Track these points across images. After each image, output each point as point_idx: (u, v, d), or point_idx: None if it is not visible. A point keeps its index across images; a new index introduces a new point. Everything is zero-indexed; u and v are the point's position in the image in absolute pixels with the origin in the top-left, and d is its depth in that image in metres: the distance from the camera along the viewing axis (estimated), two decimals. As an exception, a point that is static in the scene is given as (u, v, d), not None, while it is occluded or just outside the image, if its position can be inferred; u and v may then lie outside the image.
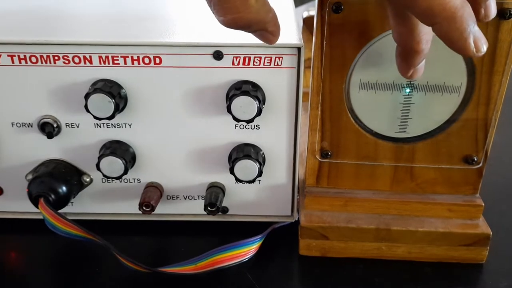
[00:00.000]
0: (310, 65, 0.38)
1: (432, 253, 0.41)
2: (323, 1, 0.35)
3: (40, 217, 0.43)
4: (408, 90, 0.38)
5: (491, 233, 0.40)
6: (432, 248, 0.41)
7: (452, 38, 0.28)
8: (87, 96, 0.38)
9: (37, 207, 0.40)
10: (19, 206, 0.45)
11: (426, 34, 0.31)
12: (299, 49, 0.38)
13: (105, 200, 0.45)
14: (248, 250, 0.41)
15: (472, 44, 0.28)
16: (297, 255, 0.43)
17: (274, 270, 0.42)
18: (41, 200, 0.40)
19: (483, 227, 0.41)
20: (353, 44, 0.37)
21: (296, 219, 0.45)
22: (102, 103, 0.38)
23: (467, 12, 0.27)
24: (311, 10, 0.68)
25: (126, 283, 0.40)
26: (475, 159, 0.40)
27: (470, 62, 0.37)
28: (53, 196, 0.40)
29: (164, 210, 0.45)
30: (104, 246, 0.38)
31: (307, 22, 0.61)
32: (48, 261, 0.43)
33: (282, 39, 0.38)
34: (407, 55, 0.32)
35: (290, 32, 0.40)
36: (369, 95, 0.39)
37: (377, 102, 0.39)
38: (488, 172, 0.41)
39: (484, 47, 0.28)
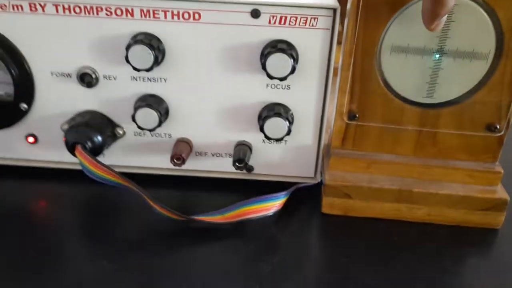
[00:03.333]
0: (340, 41, 0.40)
1: (450, 216, 0.43)
2: (362, -38, 0.36)
3: (72, 167, 0.44)
4: (438, 56, 0.40)
5: (508, 198, 0.42)
6: (451, 211, 0.43)
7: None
8: (128, 47, 0.39)
9: (73, 154, 0.42)
10: (53, 155, 0.46)
11: None
12: (334, 10, 0.39)
13: (136, 154, 0.46)
14: (273, 204, 0.42)
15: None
16: (319, 213, 0.44)
17: (297, 225, 0.43)
18: (78, 146, 0.41)
19: (501, 192, 0.42)
20: (388, 7, 0.38)
21: (319, 180, 0.46)
22: (142, 55, 0.39)
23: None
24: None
25: (155, 231, 0.42)
26: (498, 127, 0.42)
27: (499, 30, 0.38)
28: (89, 144, 0.42)
29: (193, 166, 0.47)
30: (137, 193, 0.40)
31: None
32: (79, 210, 0.45)
33: (318, 0, 0.40)
34: (433, 4, 0.34)
35: (325, -6, 0.42)
36: (400, 58, 0.40)
37: (407, 66, 0.40)
38: (509, 140, 0.43)
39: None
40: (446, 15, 0.35)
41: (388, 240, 0.42)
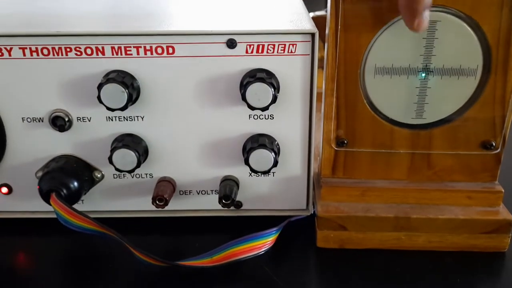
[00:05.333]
0: (321, 65, 0.38)
1: (452, 241, 0.40)
2: (337, -16, 0.35)
3: (50, 216, 0.42)
4: (424, 74, 0.38)
5: (513, 219, 0.40)
6: (453, 236, 0.40)
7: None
8: (100, 87, 0.37)
9: (48, 203, 0.39)
10: (29, 205, 0.44)
11: None
12: (312, 35, 0.38)
13: (116, 197, 0.44)
14: (264, 242, 0.40)
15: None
16: (314, 248, 0.42)
17: (292, 263, 0.41)
18: (53, 195, 0.39)
19: (504, 213, 0.40)
20: (367, 28, 0.37)
21: (312, 212, 0.44)
22: (115, 94, 0.37)
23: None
24: (318, 12, 0.69)
25: (139, 279, 0.39)
26: (493, 144, 0.40)
27: (485, 44, 0.37)
28: (64, 191, 0.39)
29: (177, 206, 0.44)
30: (118, 241, 0.38)
31: (314, 22, 0.61)
32: (59, 260, 0.42)
33: (295, 26, 0.38)
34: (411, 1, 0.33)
35: (302, 19, 0.40)
36: (384, 80, 0.38)
37: (393, 87, 0.38)
38: (506, 158, 0.41)
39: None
40: (428, 13, 0.34)
41: (391, 273, 0.39)
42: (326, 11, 0.37)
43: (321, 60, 0.39)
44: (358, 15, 0.36)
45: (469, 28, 0.37)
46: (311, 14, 0.65)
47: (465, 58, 0.37)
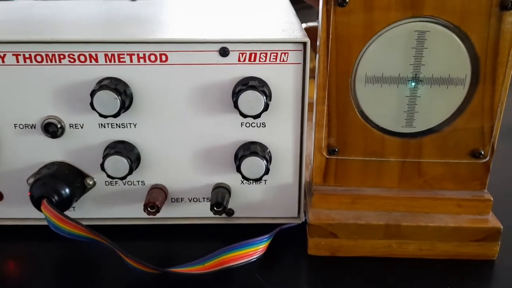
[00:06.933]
0: (313, 75, 0.39)
1: (443, 249, 0.41)
2: (328, -6, 0.36)
3: (41, 223, 0.42)
4: (413, 84, 0.38)
5: (501, 227, 0.40)
6: (443, 244, 0.41)
7: None
8: (93, 93, 0.37)
9: (39, 209, 0.39)
10: (20, 212, 0.44)
11: None
12: (304, 44, 0.38)
13: (108, 204, 0.44)
14: (256, 249, 0.40)
15: None
16: (305, 255, 0.42)
17: (283, 270, 0.41)
18: (44, 201, 0.39)
19: (493, 221, 0.41)
20: (358, 38, 0.37)
21: (303, 220, 0.44)
22: (108, 100, 0.37)
23: None
24: (310, 22, 0.69)
25: (131, 286, 0.39)
26: (482, 153, 0.40)
27: (474, 54, 0.37)
28: (56, 198, 0.39)
29: (169, 213, 0.44)
30: (109, 248, 0.37)
31: (307, 32, 0.62)
32: (50, 267, 0.42)
33: (287, 35, 0.39)
34: None
35: (294, 29, 0.41)
36: (375, 89, 0.39)
37: (383, 96, 0.39)
38: (495, 167, 0.41)
39: None
40: None
41: (382, 281, 0.39)
42: (318, 22, 0.38)
43: (312, 70, 0.39)
44: (349, 26, 0.37)
45: (457, 39, 0.37)
46: (304, 25, 0.66)
47: (453, 67, 0.38)
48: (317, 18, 0.38)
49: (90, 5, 0.54)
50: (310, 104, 0.40)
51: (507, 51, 0.37)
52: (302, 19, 0.52)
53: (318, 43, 0.38)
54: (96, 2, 0.58)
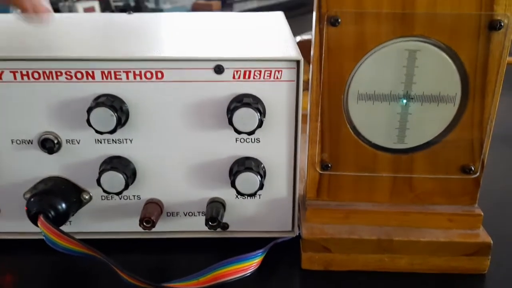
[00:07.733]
0: (307, 88, 0.40)
1: (434, 264, 0.41)
2: (321, 15, 0.37)
3: (38, 237, 0.42)
4: (405, 101, 0.39)
5: (491, 242, 0.41)
6: (434, 258, 0.41)
7: None
8: (89, 110, 0.38)
9: (36, 224, 0.39)
10: (17, 226, 0.44)
11: None
12: (298, 62, 0.39)
13: (104, 219, 0.44)
14: (250, 264, 0.40)
15: None
16: (299, 269, 0.42)
17: (277, 284, 0.41)
18: (41, 216, 0.39)
19: (483, 236, 0.41)
20: (350, 56, 0.38)
21: (297, 234, 0.44)
22: (104, 117, 0.38)
23: None
24: (304, 35, 0.70)
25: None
26: (472, 168, 0.41)
27: (463, 73, 0.38)
28: (52, 213, 0.40)
29: (164, 227, 0.45)
30: (104, 262, 0.38)
31: (300, 46, 0.63)
32: (46, 281, 0.42)
33: (281, 53, 0.40)
34: None
35: (288, 47, 0.42)
36: (367, 106, 0.39)
37: (375, 113, 0.40)
38: (485, 182, 0.42)
39: None
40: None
41: (373, 294, 0.40)
42: (312, 35, 0.38)
43: (306, 82, 0.40)
44: (341, 45, 0.37)
45: (447, 57, 0.38)
46: (298, 38, 0.67)
47: (444, 85, 0.39)
48: (311, 29, 0.38)
49: (87, 19, 0.54)
50: (304, 116, 0.41)
51: (496, 70, 0.38)
52: (297, 28, 0.53)
53: (311, 60, 0.39)
54: (93, 16, 0.58)
